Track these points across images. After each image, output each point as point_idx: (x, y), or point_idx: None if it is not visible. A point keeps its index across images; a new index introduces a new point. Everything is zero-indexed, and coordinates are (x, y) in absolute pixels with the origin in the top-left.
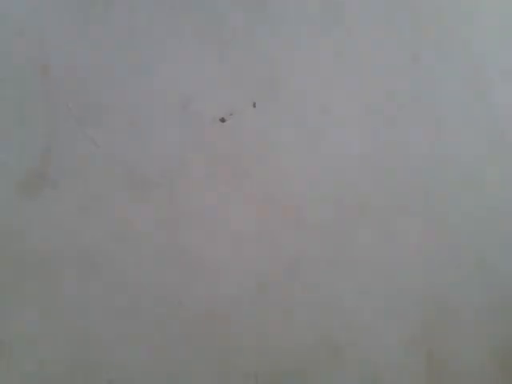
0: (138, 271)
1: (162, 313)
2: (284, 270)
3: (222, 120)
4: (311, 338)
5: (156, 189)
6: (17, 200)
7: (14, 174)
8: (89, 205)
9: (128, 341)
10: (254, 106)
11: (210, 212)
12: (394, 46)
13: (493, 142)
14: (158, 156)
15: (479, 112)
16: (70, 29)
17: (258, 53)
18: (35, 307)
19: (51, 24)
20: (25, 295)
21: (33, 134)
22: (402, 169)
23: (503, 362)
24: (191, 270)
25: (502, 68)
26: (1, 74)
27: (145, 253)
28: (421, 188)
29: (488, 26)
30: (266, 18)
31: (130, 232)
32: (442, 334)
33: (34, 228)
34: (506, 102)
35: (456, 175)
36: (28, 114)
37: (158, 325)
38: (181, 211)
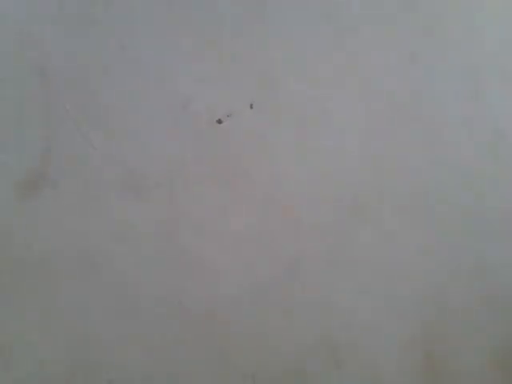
0: (138, 271)
1: (162, 313)
2: (283, 270)
3: (219, 121)
4: (310, 339)
5: (155, 189)
6: (16, 200)
7: (14, 174)
8: (88, 205)
9: (128, 341)
10: (252, 107)
11: (210, 212)
12: (393, 46)
13: (492, 142)
14: (156, 157)
15: (479, 112)
16: (69, 29)
17: (255, 53)
18: (35, 307)
19: (50, 25)
20: (24, 295)
21: (32, 135)
22: (402, 169)
23: (503, 363)
24: (191, 271)
25: (501, 68)
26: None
27: (144, 253)
28: (420, 188)
29: (488, 26)
30: (265, 18)
31: (130, 232)
32: (441, 334)
33: (34, 228)
34: (505, 101)
35: (456, 175)
36: (27, 114)
37: (157, 325)
38: (180, 212)
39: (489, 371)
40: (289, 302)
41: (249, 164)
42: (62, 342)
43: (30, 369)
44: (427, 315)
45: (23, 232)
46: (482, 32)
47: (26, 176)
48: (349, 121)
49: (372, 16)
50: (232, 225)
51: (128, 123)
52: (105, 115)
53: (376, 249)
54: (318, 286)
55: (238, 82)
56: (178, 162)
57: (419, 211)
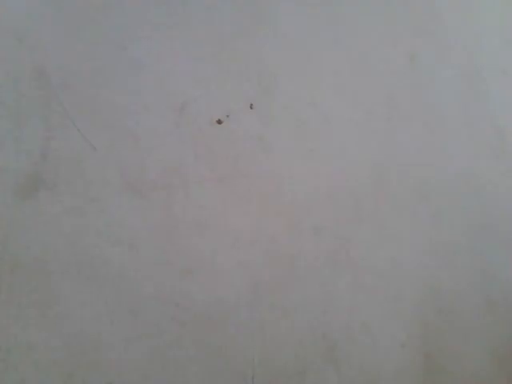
0: (137, 272)
1: (161, 314)
2: (282, 271)
3: (219, 122)
4: (310, 339)
5: (153, 191)
6: (14, 202)
7: (11, 176)
8: (86, 207)
9: (126, 343)
10: (251, 107)
11: (209, 213)
12: (393, 46)
13: (492, 142)
14: (155, 158)
15: (479, 112)
16: (69, 30)
17: (255, 54)
18: (33, 310)
19: (48, 27)
20: (23, 296)
21: (30, 137)
22: (401, 169)
23: (502, 363)
24: (190, 271)
25: (501, 68)
26: None
27: (143, 254)
28: (420, 188)
29: (488, 26)
30: (265, 18)
31: (129, 233)
32: (440, 334)
33: (33, 229)
34: (505, 101)
35: (456, 175)
36: (25, 116)
37: (157, 326)
38: (179, 212)
39: (489, 371)
40: (288, 302)
41: (248, 164)
42: (61, 344)
43: (28, 370)
44: (427, 315)
45: (22, 233)
46: (482, 32)
47: (24, 177)
48: (348, 121)
49: (372, 16)
50: (231, 225)
51: (127, 123)
52: (104, 116)
53: (376, 249)
54: (317, 285)
55: (237, 82)
56: (177, 163)
57: (419, 211)
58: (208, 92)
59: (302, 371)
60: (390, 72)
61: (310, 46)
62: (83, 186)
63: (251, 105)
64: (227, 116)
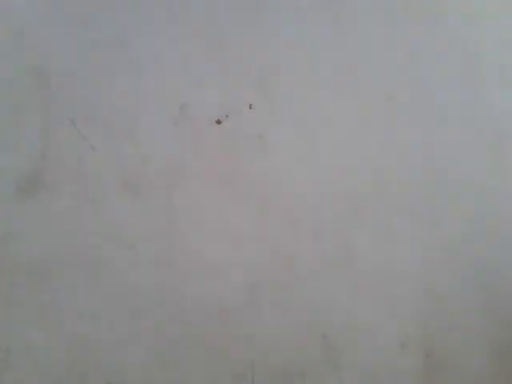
0: (137, 272)
1: (161, 314)
2: (282, 271)
3: (218, 122)
4: (310, 339)
5: (153, 191)
6: (13, 203)
7: (11, 176)
8: (86, 207)
9: (127, 342)
10: (251, 107)
11: (209, 213)
12: (393, 46)
13: (492, 142)
14: (155, 157)
15: (479, 112)
16: (68, 31)
17: (254, 54)
18: (33, 310)
19: (48, 27)
20: (23, 297)
21: (29, 137)
22: (401, 169)
23: (502, 363)
24: (190, 271)
25: (501, 68)
26: None
27: (143, 254)
28: (420, 188)
29: (488, 26)
30: (264, 18)
31: (129, 233)
32: (440, 334)
33: (32, 230)
34: (505, 102)
35: (455, 175)
36: (25, 115)
37: (156, 326)
38: (178, 213)
39: (488, 371)
40: (288, 302)
41: (248, 164)
42: (61, 344)
43: (28, 370)
44: (427, 315)
45: (22, 233)
46: (482, 32)
47: (24, 177)
48: (348, 121)
49: (372, 16)
50: (231, 225)
51: (127, 123)
52: (104, 116)
53: (375, 249)
54: (317, 286)
55: (237, 82)
56: (177, 163)
57: (419, 211)
58: (207, 92)
59: (302, 371)
60: (390, 72)
61: (310, 46)
62: (83, 185)
63: (250, 105)
64: (226, 116)
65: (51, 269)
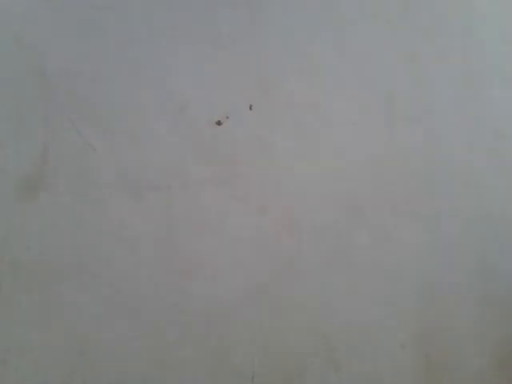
0: (137, 273)
1: (161, 315)
2: (282, 271)
3: (219, 123)
4: (310, 339)
5: (153, 191)
6: (14, 203)
7: (12, 177)
8: (86, 208)
9: (126, 343)
10: (251, 108)
11: (208, 213)
12: (392, 46)
13: (492, 142)
14: (154, 159)
15: (478, 112)
16: (69, 31)
17: (254, 55)
18: (33, 310)
19: (49, 26)
20: (22, 297)
21: (30, 138)
22: (401, 169)
23: (501, 362)
24: (190, 272)
25: (501, 68)
26: None
27: (143, 254)
28: (420, 188)
29: (488, 26)
30: (264, 19)
31: (128, 234)
32: (440, 334)
33: (31, 231)
34: (505, 102)
35: (456, 175)
36: (26, 115)
37: (156, 327)
38: (178, 213)
39: (488, 371)
40: (288, 302)
41: (248, 165)
42: (61, 345)
43: (27, 370)
44: (427, 315)
45: (22, 233)
46: (482, 32)
47: (24, 177)
48: (348, 121)
49: (372, 16)
50: (231, 225)
51: (127, 125)
52: (104, 117)
53: (375, 249)
54: (317, 286)
55: (237, 83)
56: (177, 163)
57: (418, 211)
58: (207, 93)
59: (302, 371)
60: (389, 72)
61: (310, 46)
62: (83, 186)
63: (250, 106)
64: (227, 117)
65: (51, 269)
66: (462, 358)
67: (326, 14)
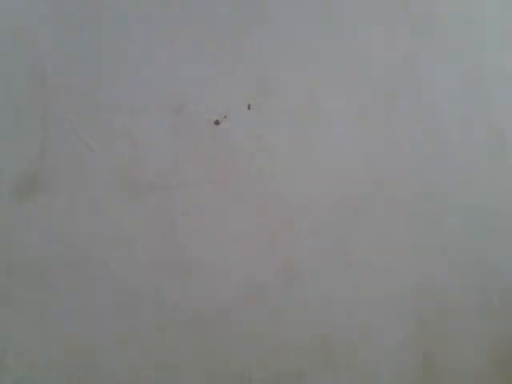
0: (135, 274)
1: (159, 316)
2: (281, 271)
3: (217, 122)
4: (308, 340)
5: (151, 191)
6: (11, 203)
7: (9, 177)
8: (84, 208)
9: (124, 344)
10: (249, 108)
11: (207, 214)
12: (392, 46)
13: (492, 142)
14: (152, 158)
15: (479, 112)
16: (67, 30)
17: (252, 54)
18: (30, 311)
19: (47, 25)
20: (19, 298)
21: (28, 137)
22: (401, 169)
23: (501, 362)
24: (188, 272)
25: (501, 68)
26: None
27: (141, 255)
28: (420, 188)
29: (488, 26)
30: (262, 18)
31: (126, 235)
32: (440, 334)
33: (29, 231)
34: (505, 102)
35: (456, 175)
36: (22, 117)
37: (154, 328)
38: (177, 213)
39: (488, 371)
40: (287, 303)
41: (246, 165)
42: (58, 345)
43: (24, 371)
44: (426, 316)
45: (19, 233)
46: (482, 32)
47: (22, 177)
48: (347, 121)
49: (371, 16)
50: (230, 226)
51: (125, 124)
52: (102, 116)
53: (374, 249)
54: (316, 286)
55: (235, 82)
56: (175, 163)
57: (417, 211)
58: (206, 92)
59: (301, 373)
60: (389, 72)
61: (309, 46)
62: (81, 186)
63: (249, 105)
64: (225, 116)
65: (49, 269)
66: (462, 358)
67: (326, 13)
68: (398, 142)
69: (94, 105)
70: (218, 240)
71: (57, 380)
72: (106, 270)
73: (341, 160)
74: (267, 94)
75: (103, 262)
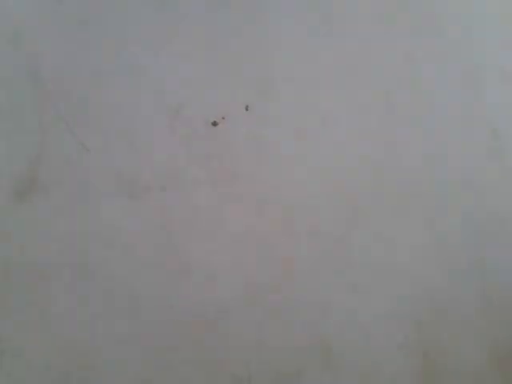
0: (132, 275)
1: (157, 316)
2: (279, 272)
3: (215, 124)
4: (307, 341)
5: (148, 193)
6: (8, 205)
7: (5, 178)
8: (81, 209)
9: (122, 345)
10: (247, 109)
11: (205, 215)
12: (392, 46)
13: (492, 143)
14: (150, 160)
15: (479, 112)
16: (63, 31)
17: (250, 55)
18: (27, 312)
19: (43, 26)
20: (16, 299)
21: (25, 138)
22: (401, 169)
23: (501, 363)
24: (187, 273)
25: (501, 68)
26: None
27: (138, 257)
28: (420, 189)
29: (488, 26)
30: (261, 19)
31: (123, 236)
32: (440, 334)
33: (25, 233)
34: (505, 102)
35: (455, 175)
36: (18, 118)
37: (153, 329)
38: (174, 215)
39: (488, 371)
40: (285, 303)
41: (244, 166)
42: (56, 346)
43: (22, 373)
44: (425, 316)
45: (16, 235)
46: (482, 32)
47: (19, 179)
48: (346, 122)
49: (371, 16)
50: (228, 227)
51: (122, 125)
52: (99, 118)
53: (373, 250)
54: (314, 287)
55: (233, 83)
56: (172, 164)
57: (417, 212)
58: (203, 93)
59: (299, 373)
60: (388, 73)
61: (307, 46)
62: (78, 188)
63: (247, 106)
64: (223, 118)
65: (47, 270)
66: (462, 358)
67: (326, 13)
68: (398, 141)
69: (91, 106)
70: (217, 240)
71: (55, 381)
72: (103, 271)
73: (340, 160)
74: (265, 95)
75: (102, 263)
